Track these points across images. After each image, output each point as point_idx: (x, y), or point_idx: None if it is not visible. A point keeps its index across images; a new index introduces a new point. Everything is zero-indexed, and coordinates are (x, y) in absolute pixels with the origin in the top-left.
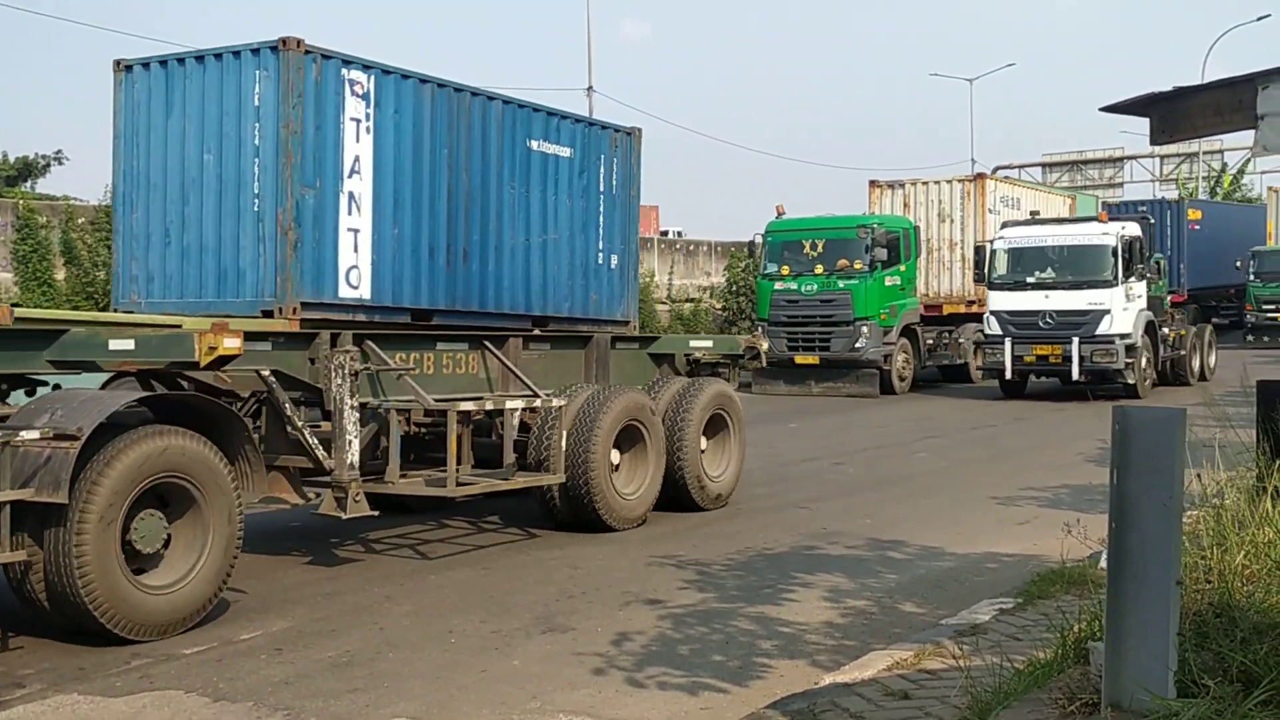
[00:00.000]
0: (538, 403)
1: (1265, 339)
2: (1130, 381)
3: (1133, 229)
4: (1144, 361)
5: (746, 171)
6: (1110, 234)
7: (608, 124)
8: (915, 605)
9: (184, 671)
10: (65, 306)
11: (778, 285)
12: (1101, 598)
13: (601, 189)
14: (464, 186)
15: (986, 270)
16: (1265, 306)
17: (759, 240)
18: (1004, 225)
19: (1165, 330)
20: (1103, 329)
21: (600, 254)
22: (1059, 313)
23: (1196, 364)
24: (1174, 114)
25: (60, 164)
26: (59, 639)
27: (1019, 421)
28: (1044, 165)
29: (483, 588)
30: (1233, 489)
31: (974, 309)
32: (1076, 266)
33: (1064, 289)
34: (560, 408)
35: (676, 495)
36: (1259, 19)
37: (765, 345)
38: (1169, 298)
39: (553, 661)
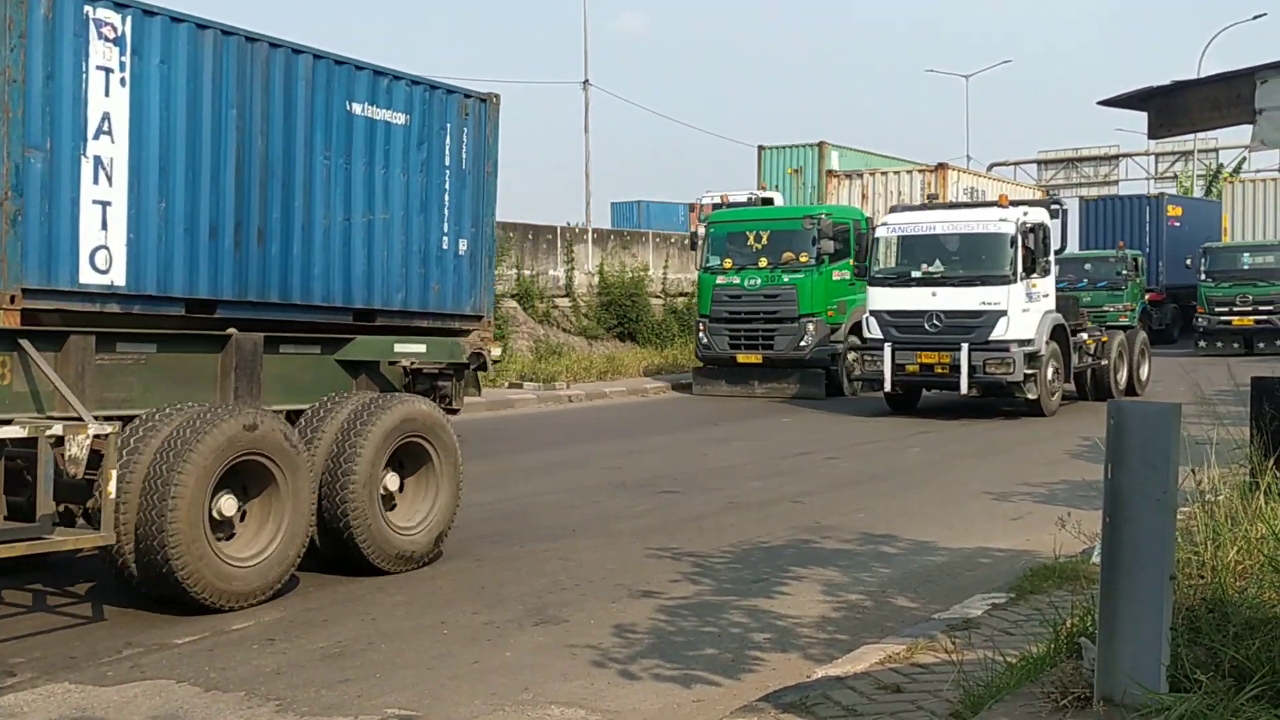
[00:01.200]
0: (91, 430)
1: (1219, 345)
2: (1031, 396)
3: (1038, 215)
4: (1050, 372)
5: (740, 165)
6: (1009, 221)
7: (455, 88)
8: (908, 599)
9: (175, 661)
10: None
11: (720, 279)
12: (1094, 593)
13: (448, 163)
14: (259, 155)
15: (868, 263)
16: (1218, 309)
17: (701, 231)
18: (891, 209)
19: (1082, 336)
20: (998, 333)
21: (445, 238)
22: (947, 313)
23: (1124, 376)
24: (1171, 108)
25: None
26: (44, 627)
27: (1004, 418)
28: (1039, 162)
29: (475, 579)
30: (1226, 485)
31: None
32: (969, 259)
33: (953, 285)
34: (110, 437)
35: (339, 553)
36: (1255, 17)
37: (496, 352)
38: (1147, 296)
39: (545, 653)
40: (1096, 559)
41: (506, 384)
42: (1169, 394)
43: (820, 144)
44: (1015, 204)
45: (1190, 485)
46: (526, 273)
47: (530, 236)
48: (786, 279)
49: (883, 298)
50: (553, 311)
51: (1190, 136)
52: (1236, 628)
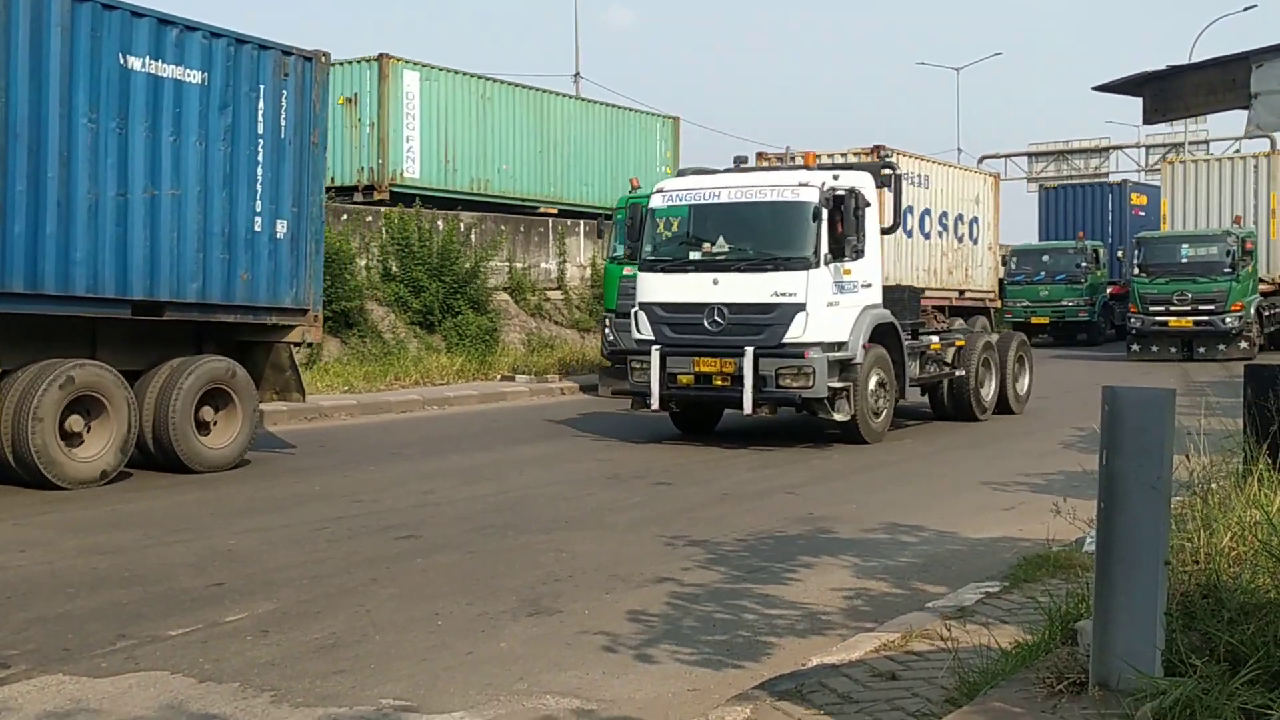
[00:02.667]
0: None
1: (1153, 349)
2: (840, 416)
3: (854, 181)
4: (873, 385)
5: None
6: (811, 186)
7: (270, 43)
8: (902, 589)
9: (170, 653)
10: None
11: (626, 270)
12: (1088, 581)
13: (260, 131)
14: None
15: (639, 242)
16: (1152, 308)
17: (609, 219)
18: (680, 173)
19: (928, 339)
20: (793, 333)
21: (258, 219)
22: (732, 307)
23: (990, 390)
24: (1166, 93)
25: None
26: (37, 619)
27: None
28: (1030, 155)
29: (468, 571)
30: (1219, 473)
31: None
32: (760, 237)
33: (739, 270)
34: None
35: (172, 462)
36: (1246, 9)
37: (312, 336)
38: (1109, 289)
39: (539, 643)
40: (1090, 548)
41: (499, 377)
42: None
43: (381, 57)
44: (828, 167)
45: (1184, 474)
46: (519, 265)
47: (522, 229)
48: None
49: (655, 286)
50: (544, 304)
51: (1180, 128)
52: (1231, 613)
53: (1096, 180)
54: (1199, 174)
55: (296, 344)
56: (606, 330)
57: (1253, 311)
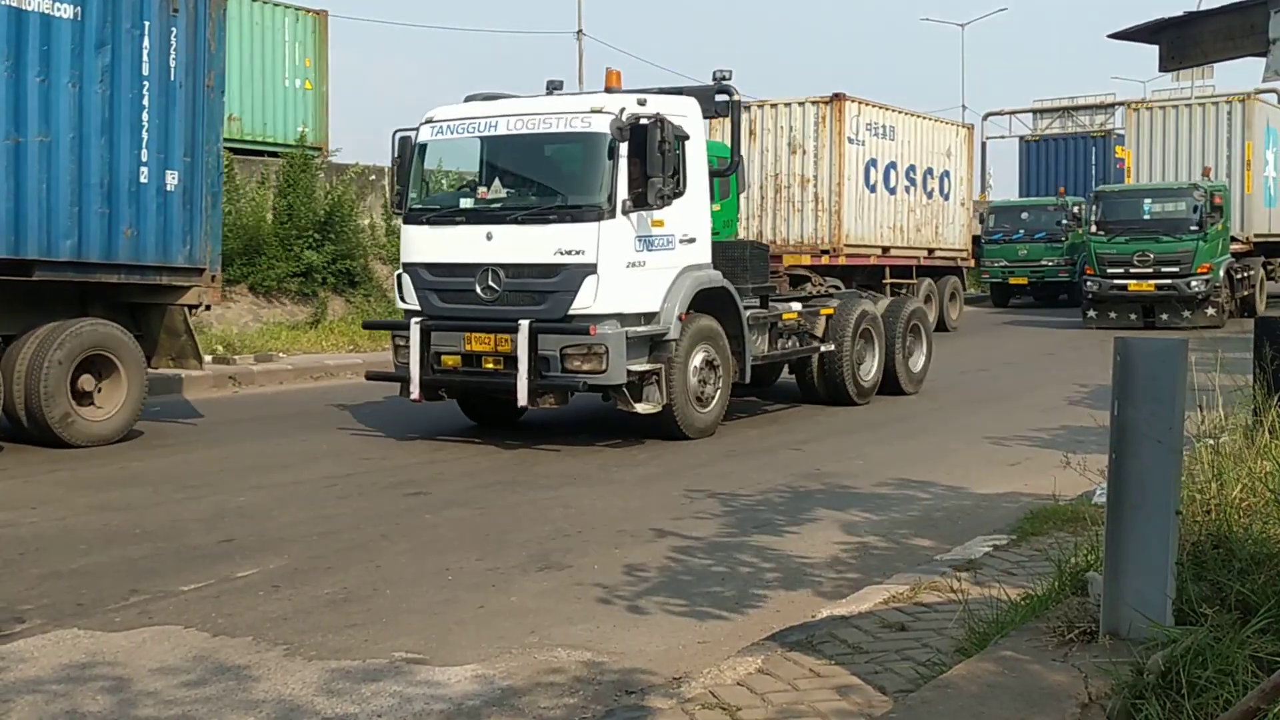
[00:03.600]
0: None
1: (1111, 315)
2: (647, 408)
3: (663, 107)
4: (696, 364)
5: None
6: (605, 113)
7: None
8: (910, 542)
9: (183, 607)
10: None
11: None
12: (1096, 532)
13: (146, 73)
14: None
15: (405, 187)
16: (1110, 270)
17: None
18: (469, 99)
19: (782, 307)
20: (581, 303)
21: (144, 169)
22: (509, 268)
23: (872, 368)
24: (1183, 40)
25: None
26: (50, 573)
27: (1002, 367)
28: (1034, 111)
29: (478, 526)
30: (1229, 426)
31: (826, 260)
32: (543, 179)
33: (517, 222)
34: None
35: (45, 436)
36: None
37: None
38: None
39: (550, 597)
40: (1099, 499)
41: None
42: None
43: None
44: (635, 92)
45: (1192, 427)
46: None
47: None
48: None
49: (420, 243)
50: None
51: (1188, 83)
52: (1241, 563)
53: (1080, 133)
54: (1167, 121)
55: (193, 306)
56: None
57: (1222, 274)
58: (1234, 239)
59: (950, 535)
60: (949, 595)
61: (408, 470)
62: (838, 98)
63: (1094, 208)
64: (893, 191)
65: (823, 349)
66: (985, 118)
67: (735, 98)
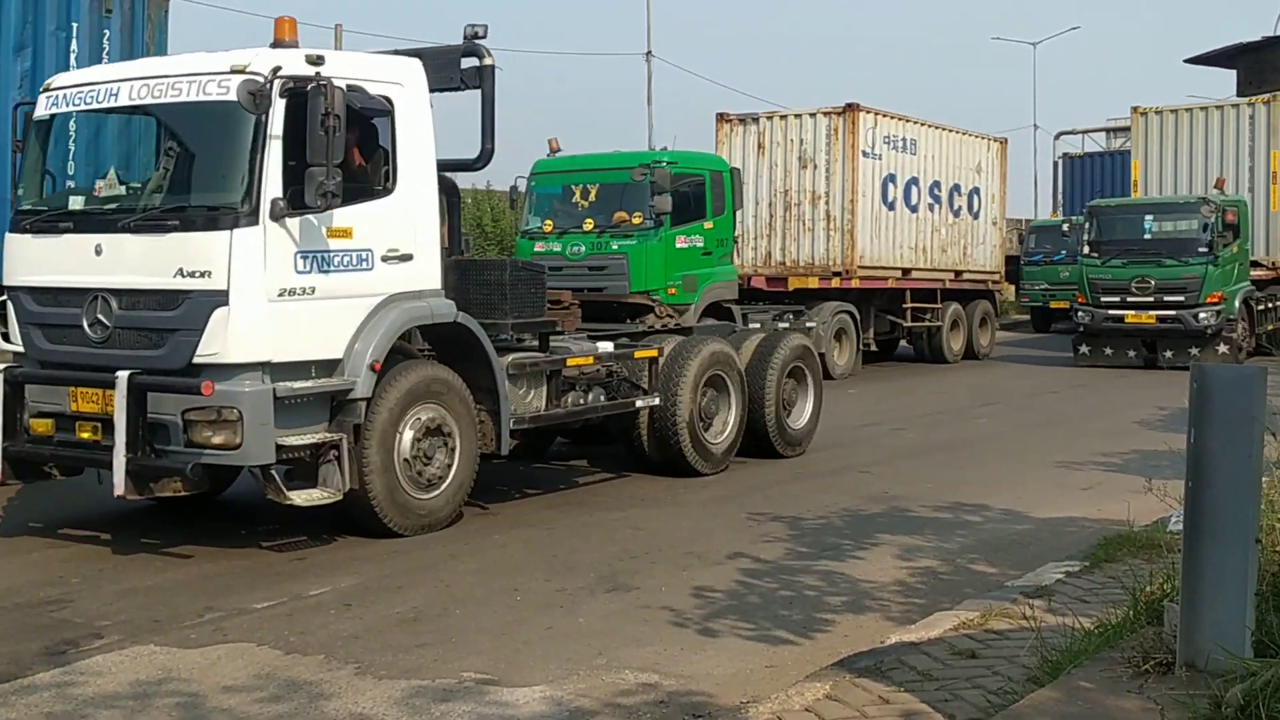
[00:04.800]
0: None
1: (1106, 352)
2: (313, 498)
3: (347, 68)
4: (407, 440)
5: None
6: (251, 74)
7: None
8: (980, 567)
9: (256, 625)
10: None
11: (538, 246)
12: (1172, 560)
13: None
14: None
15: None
16: (1105, 299)
17: (523, 186)
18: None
19: (569, 350)
20: (209, 348)
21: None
22: (121, 296)
23: (728, 425)
24: (1261, 64)
25: None
26: (127, 591)
27: (1070, 390)
28: (1108, 130)
29: (546, 546)
30: None
31: (837, 284)
32: (172, 168)
33: (131, 230)
34: None
35: None
36: None
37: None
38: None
39: (618, 619)
40: (1173, 527)
41: None
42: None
43: None
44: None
45: (1273, 454)
46: None
47: None
48: (616, 246)
49: (24, 257)
50: None
51: (1267, 98)
52: None
53: (1121, 149)
54: (1180, 128)
55: None
56: None
57: (1237, 305)
58: (1256, 264)
59: (1022, 560)
60: (1020, 622)
61: (475, 490)
62: (851, 108)
63: (1088, 225)
64: (914, 209)
65: (641, 403)
66: (1057, 137)
67: (487, 62)
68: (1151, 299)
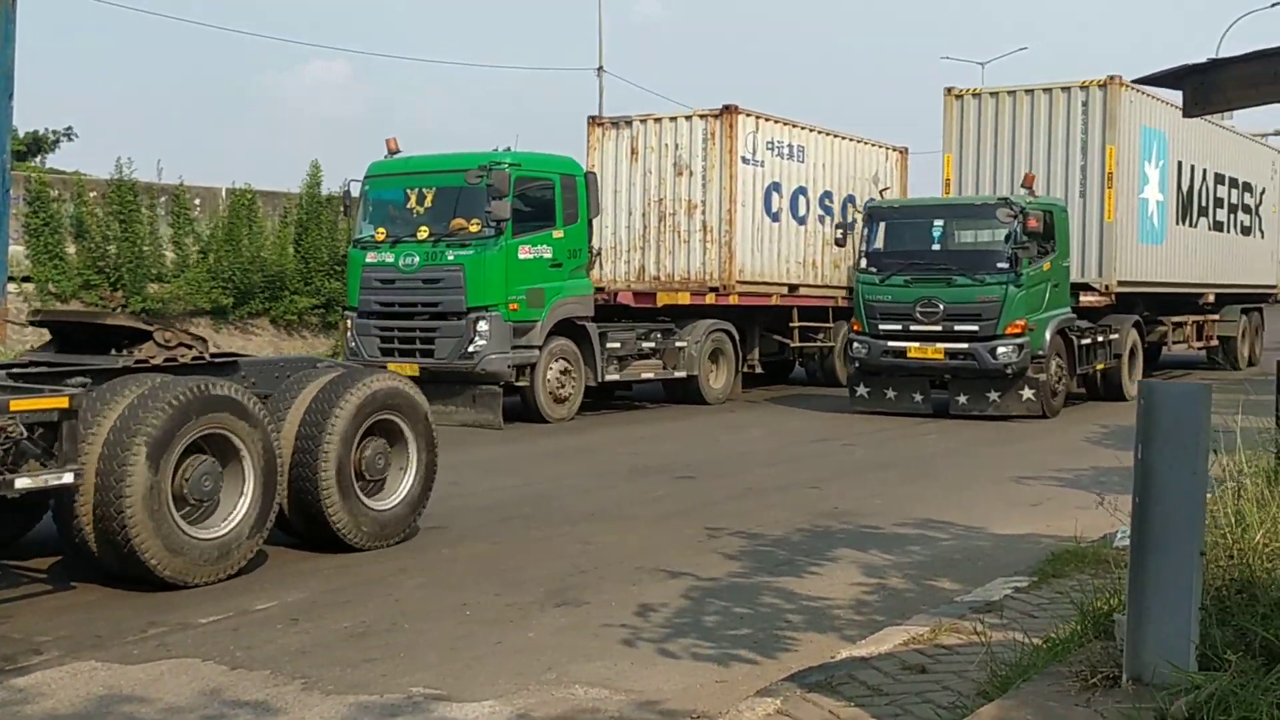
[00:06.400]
0: None
1: (887, 394)
2: None
3: None
4: None
5: None
6: None
7: None
8: (930, 583)
9: (200, 640)
10: (77, 281)
11: (370, 256)
12: (1118, 575)
13: None
14: None
15: None
16: (885, 327)
17: (356, 191)
18: None
19: None
20: None
21: None
22: None
23: (233, 512)
24: (1207, 86)
25: (70, 139)
26: (68, 607)
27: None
28: None
29: (495, 561)
30: (1252, 470)
31: (713, 300)
32: None
33: None
34: None
35: None
36: (1273, 4)
37: None
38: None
39: (568, 634)
40: (1120, 542)
41: None
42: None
43: None
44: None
45: (1216, 471)
46: None
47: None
48: (452, 256)
49: None
50: None
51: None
52: (1265, 608)
53: None
54: (1000, 114)
55: None
56: (348, 334)
57: (1048, 337)
58: (1085, 287)
59: (971, 576)
60: (970, 637)
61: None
62: (728, 110)
63: (865, 231)
64: (802, 221)
65: (52, 481)
66: None
67: None
68: (939, 327)
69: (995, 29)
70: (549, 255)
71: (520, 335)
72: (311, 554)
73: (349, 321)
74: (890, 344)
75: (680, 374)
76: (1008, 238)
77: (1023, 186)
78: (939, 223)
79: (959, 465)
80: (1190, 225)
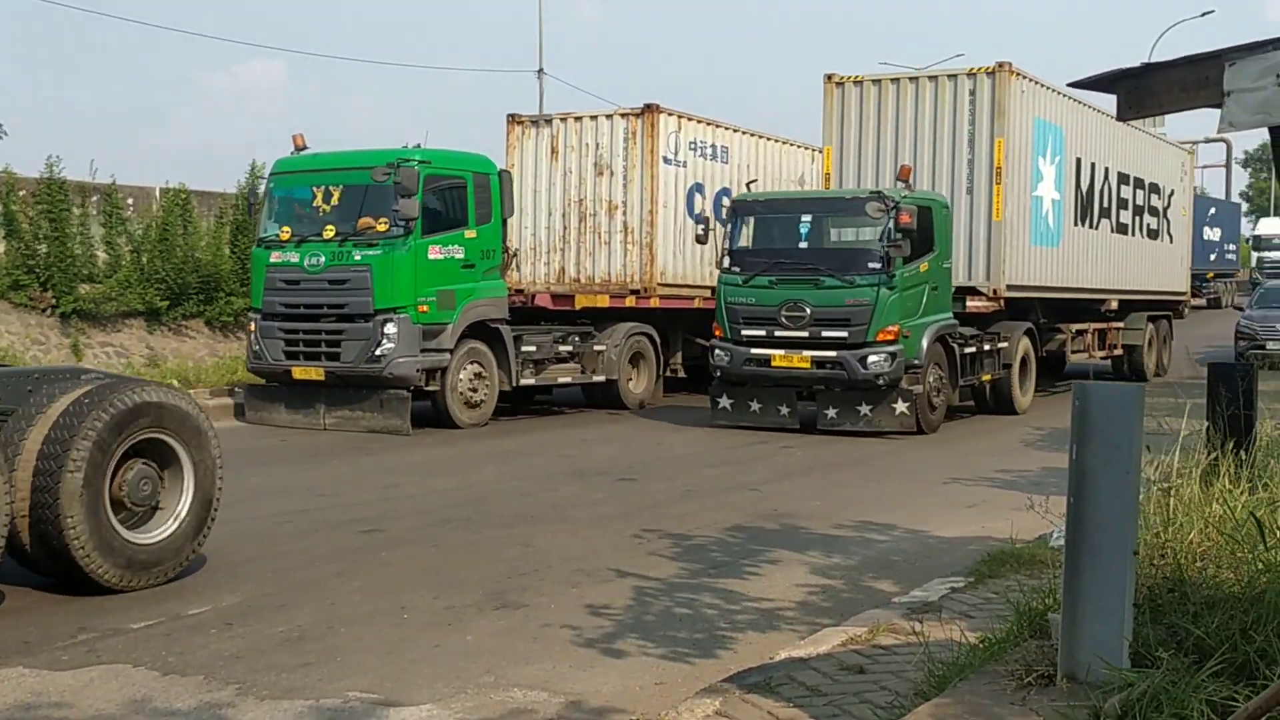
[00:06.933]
0: None
1: (752, 407)
2: None
3: None
4: None
5: None
6: None
7: None
8: (866, 584)
9: (132, 646)
10: (6, 281)
11: (275, 256)
12: (1053, 575)
13: None
14: None
15: None
16: (748, 332)
17: (262, 188)
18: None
19: None
20: None
21: None
22: None
23: None
24: (1141, 90)
25: None
26: (3, 615)
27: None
28: None
29: (433, 564)
30: (1184, 470)
31: (633, 302)
32: None
33: None
34: None
35: None
36: (1203, 14)
37: None
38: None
39: (506, 636)
40: (1055, 543)
41: None
42: None
43: None
44: None
45: (1149, 471)
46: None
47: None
48: (359, 256)
49: None
50: None
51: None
52: (1196, 606)
53: None
54: (884, 102)
55: None
56: (253, 336)
57: (925, 345)
58: (972, 291)
59: (908, 576)
60: (907, 638)
61: (361, 507)
62: (650, 109)
63: (729, 227)
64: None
65: None
66: None
67: None
68: (806, 333)
69: (933, 35)
70: (461, 256)
71: (430, 338)
72: (247, 558)
73: (252, 324)
74: (754, 351)
75: (599, 378)
76: (882, 235)
77: (899, 180)
78: (807, 218)
79: (897, 466)
80: (1090, 227)
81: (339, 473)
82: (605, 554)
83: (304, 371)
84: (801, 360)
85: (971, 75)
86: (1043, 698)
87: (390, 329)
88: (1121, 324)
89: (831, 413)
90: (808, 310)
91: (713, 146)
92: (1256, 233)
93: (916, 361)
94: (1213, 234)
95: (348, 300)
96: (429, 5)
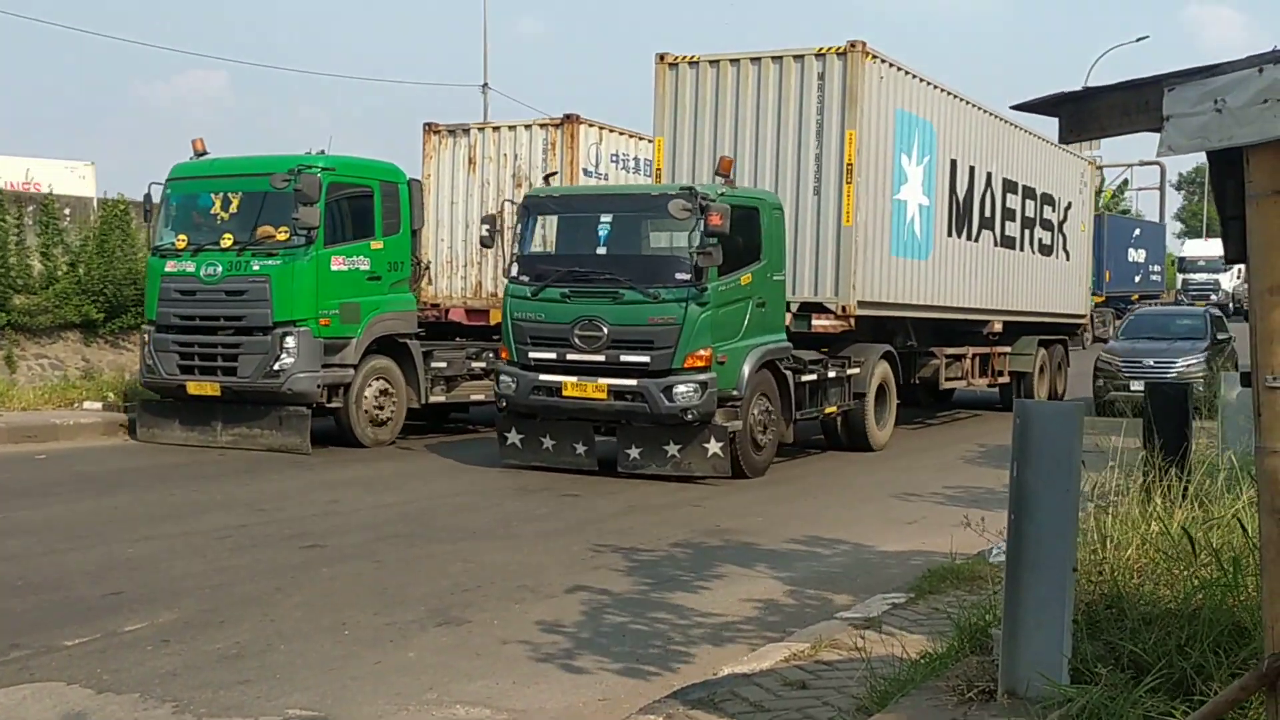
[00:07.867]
0: None
1: (546, 443)
2: None
3: None
4: None
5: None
6: None
7: None
8: (810, 599)
9: (66, 663)
10: None
11: (170, 265)
12: (993, 591)
13: None
14: None
15: None
16: (536, 355)
17: (158, 195)
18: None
19: None
20: None
21: None
22: None
23: None
24: (1082, 113)
25: None
26: None
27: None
28: None
29: (375, 580)
30: (1122, 489)
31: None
32: None
33: None
34: None
35: None
36: (1138, 39)
37: None
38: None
39: (449, 653)
40: (995, 559)
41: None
42: None
43: None
44: None
45: (1087, 489)
46: None
47: None
48: (258, 266)
49: None
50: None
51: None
52: (1133, 623)
53: None
54: (722, 87)
55: None
56: (146, 349)
57: (746, 372)
58: (818, 307)
59: (850, 592)
60: (850, 653)
61: (303, 522)
62: (570, 119)
63: (519, 228)
64: None
65: None
66: None
67: None
68: (603, 357)
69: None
70: (366, 267)
71: (332, 353)
72: (184, 573)
73: (146, 336)
74: (542, 378)
75: (474, 398)
76: (700, 236)
77: (718, 174)
78: (607, 219)
79: (836, 484)
80: (969, 238)
81: (277, 490)
82: (549, 570)
83: (199, 387)
84: (597, 390)
85: (820, 56)
86: (984, 713)
87: (290, 342)
88: (1008, 349)
89: (634, 453)
90: (604, 329)
91: (635, 159)
92: (1182, 254)
93: (735, 392)
94: (1138, 255)
95: (245, 312)
96: (375, 19)
